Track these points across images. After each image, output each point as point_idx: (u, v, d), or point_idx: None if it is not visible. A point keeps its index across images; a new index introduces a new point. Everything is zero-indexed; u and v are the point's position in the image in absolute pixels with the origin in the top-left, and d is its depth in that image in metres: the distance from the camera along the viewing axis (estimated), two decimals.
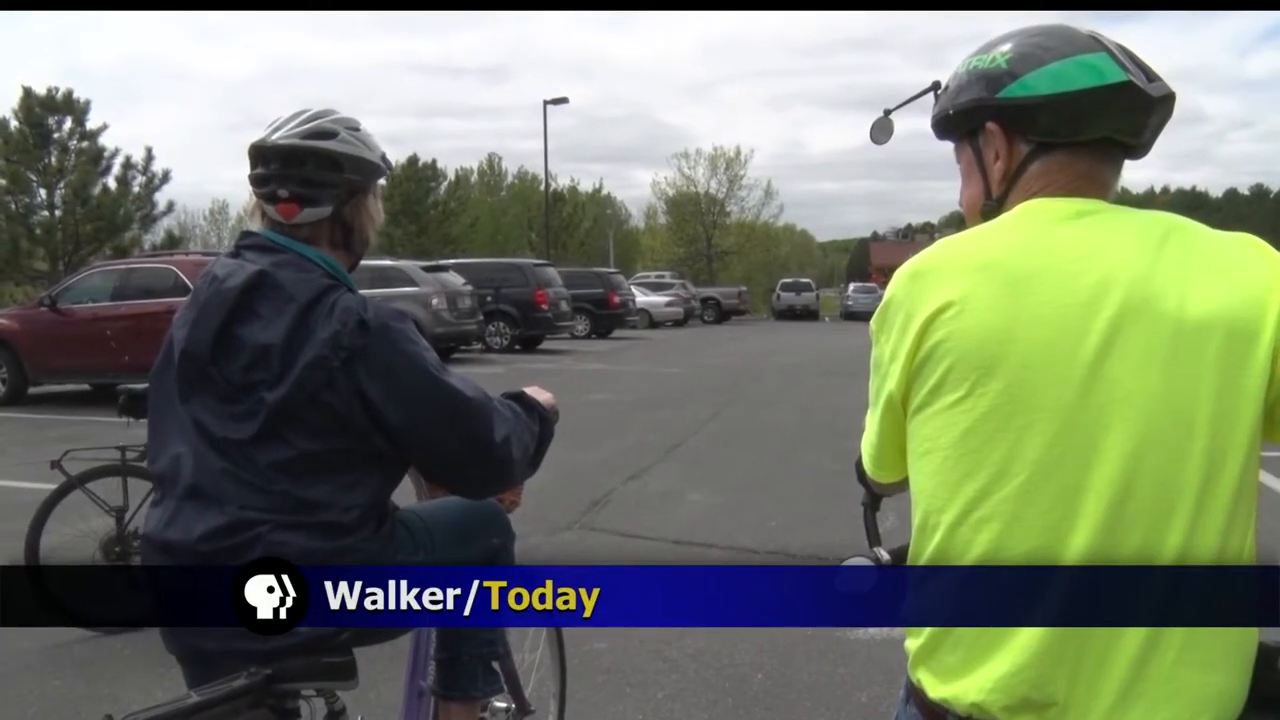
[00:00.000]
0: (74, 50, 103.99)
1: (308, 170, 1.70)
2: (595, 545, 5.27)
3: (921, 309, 1.11)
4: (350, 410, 1.63)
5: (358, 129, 1.78)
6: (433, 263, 18.54)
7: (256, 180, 1.73)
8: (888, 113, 1.59)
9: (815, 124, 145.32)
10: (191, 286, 1.69)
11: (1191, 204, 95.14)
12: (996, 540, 1.07)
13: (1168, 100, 1.15)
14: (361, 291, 1.75)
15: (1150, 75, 1.15)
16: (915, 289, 1.13)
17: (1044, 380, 1.06)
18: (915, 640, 1.14)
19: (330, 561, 1.59)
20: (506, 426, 1.77)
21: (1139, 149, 1.19)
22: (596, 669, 3.47)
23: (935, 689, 1.10)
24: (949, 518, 1.10)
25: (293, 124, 1.73)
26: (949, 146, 1.29)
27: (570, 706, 2.72)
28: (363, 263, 1.85)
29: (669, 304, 31.30)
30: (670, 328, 29.81)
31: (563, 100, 32.16)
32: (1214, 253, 1.11)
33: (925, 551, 1.13)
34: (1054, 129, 1.15)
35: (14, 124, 21.75)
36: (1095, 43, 1.15)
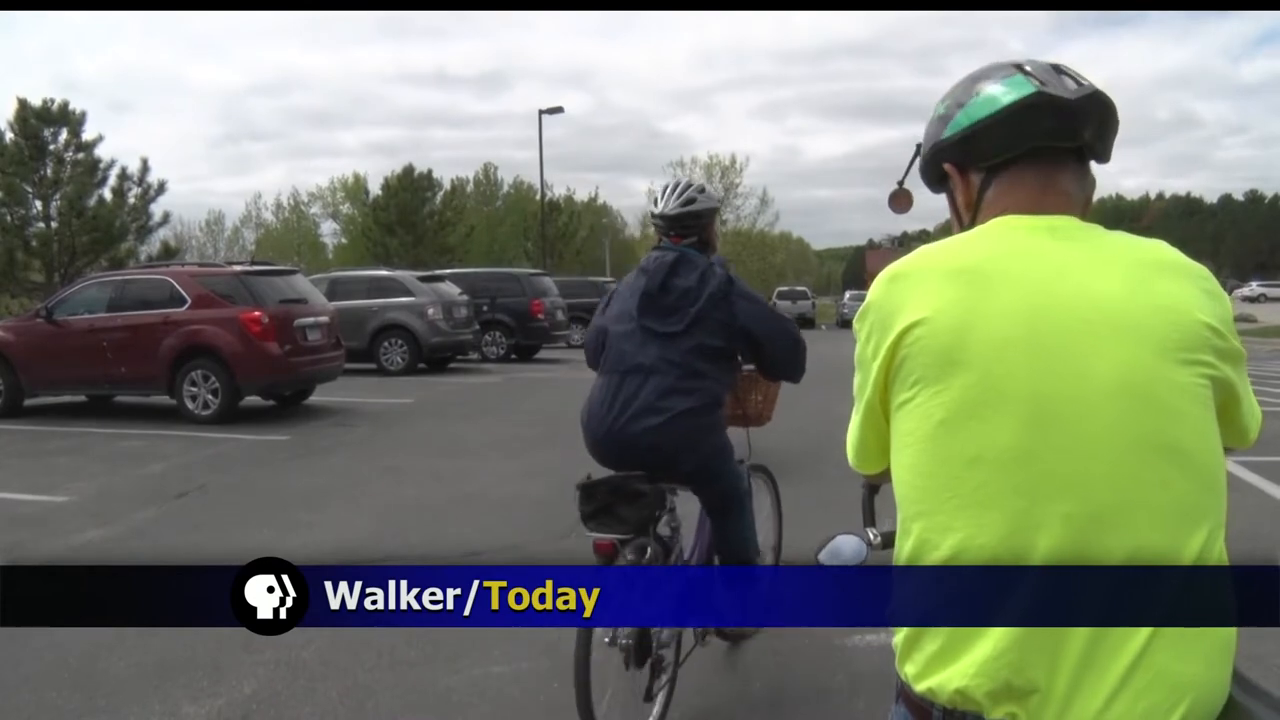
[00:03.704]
0: (67, 61, 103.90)
1: (707, 222, 3.17)
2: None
3: (898, 320, 1.18)
4: (730, 323, 3.01)
5: (704, 190, 3.20)
6: (429, 273, 18.50)
7: (653, 220, 3.18)
8: (900, 184, 1.66)
9: (811, 131, 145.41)
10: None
11: (1186, 210, 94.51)
12: (973, 528, 1.10)
13: (1090, 99, 1.22)
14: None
15: (1078, 81, 1.23)
16: (893, 292, 1.21)
17: (1011, 372, 1.11)
18: (899, 634, 1.17)
19: (698, 425, 3.00)
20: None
21: (1092, 150, 1.25)
22: None
23: (920, 681, 1.12)
24: (928, 506, 1.14)
25: (672, 198, 3.14)
26: None
27: (563, 714, 2.71)
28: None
29: None
30: None
31: (558, 110, 32.11)
32: (1167, 268, 1.18)
33: (907, 542, 1.16)
34: (988, 152, 1.25)
35: (9, 136, 21.76)
36: (1014, 68, 1.26)
